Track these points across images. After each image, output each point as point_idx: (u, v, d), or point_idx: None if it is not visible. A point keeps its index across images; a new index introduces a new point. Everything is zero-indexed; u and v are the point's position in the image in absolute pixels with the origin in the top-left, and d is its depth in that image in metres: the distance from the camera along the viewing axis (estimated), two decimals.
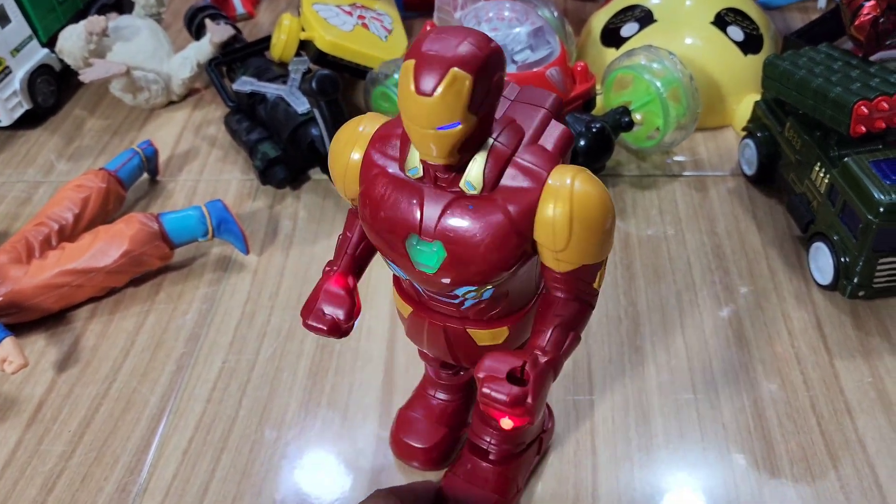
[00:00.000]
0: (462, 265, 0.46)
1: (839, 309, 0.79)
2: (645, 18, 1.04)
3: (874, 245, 0.71)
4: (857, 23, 0.81)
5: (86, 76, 1.04)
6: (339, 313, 0.52)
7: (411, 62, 0.41)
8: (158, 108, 1.14)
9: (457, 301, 0.50)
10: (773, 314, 0.79)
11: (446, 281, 0.47)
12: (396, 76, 0.94)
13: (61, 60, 1.11)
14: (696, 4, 1.04)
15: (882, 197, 0.70)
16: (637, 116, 0.95)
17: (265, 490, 0.68)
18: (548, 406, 0.69)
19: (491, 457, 0.63)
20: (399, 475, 0.68)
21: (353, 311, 0.52)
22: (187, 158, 1.05)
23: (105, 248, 0.83)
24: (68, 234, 0.87)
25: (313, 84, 0.84)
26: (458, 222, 0.45)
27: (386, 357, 0.78)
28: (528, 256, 0.47)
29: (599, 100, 0.98)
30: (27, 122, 1.13)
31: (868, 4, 0.80)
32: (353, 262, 0.54)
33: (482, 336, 0.53)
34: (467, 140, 0.43)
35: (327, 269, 0.54)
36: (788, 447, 0.68)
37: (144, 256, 0.84)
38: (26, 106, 1.10)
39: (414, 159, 0.46)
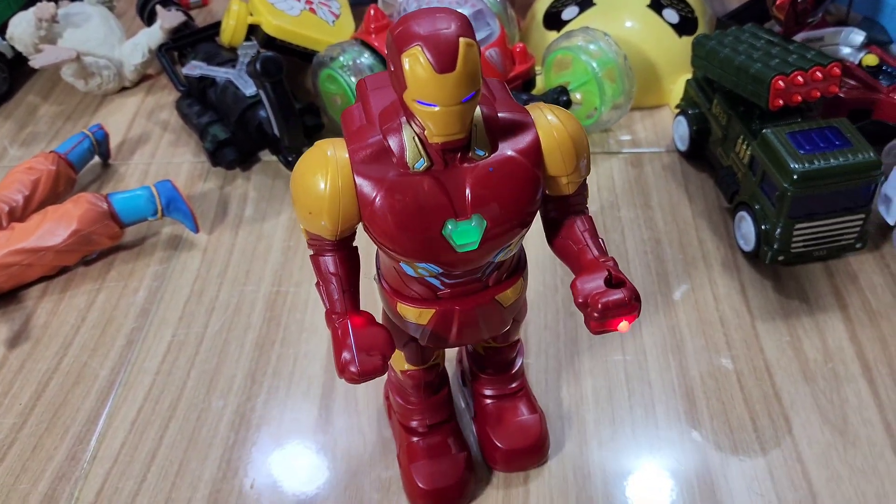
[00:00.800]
0: (503, 224, 0.48)
1: (762, 274, 0.83)
2: (585, 2, 1.07)
3: (790, 212, 0.75)
4: (777, 2, 0.85)
5: (35, 62, 1.05)
6: (385, 349, 0.49)
7: (417, 48, 0.42)
8: (111, 94, 1.16)
9: (480, 273, 0.52)
10: (701, 281, 0.83)
11: (490, 248, 0.49)
12: (342, 59, 0.96)
13: (13, 47, 1.12)
14: None
15: (796, 165, 0.74)
16: (577, 96, 0.99)
17: (211, 455, 0.70)
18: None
19: (513, 392, 0.67)
20: (344, 436, 0.71)
21: (392, 340, 0.50)
22: (139, 142, 1.07)
23: (54, 227, 0.85)
24: (18, 215, 0.88)
25: (257, 66, 0.86)
26: (488, 186, 0.47)
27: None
28: (543, 195, 0.51)
29: (540, 80, 1.01)
30: None
31: None
32: (352, 297, 0.52)
33: (507, 297, 0.55)
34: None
35: (335, 318, 0.51)
36: (710, 403, 0.71)
37: (94, 235, 0.86)
38: None
39: (415, 151, 0.47)
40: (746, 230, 0.82)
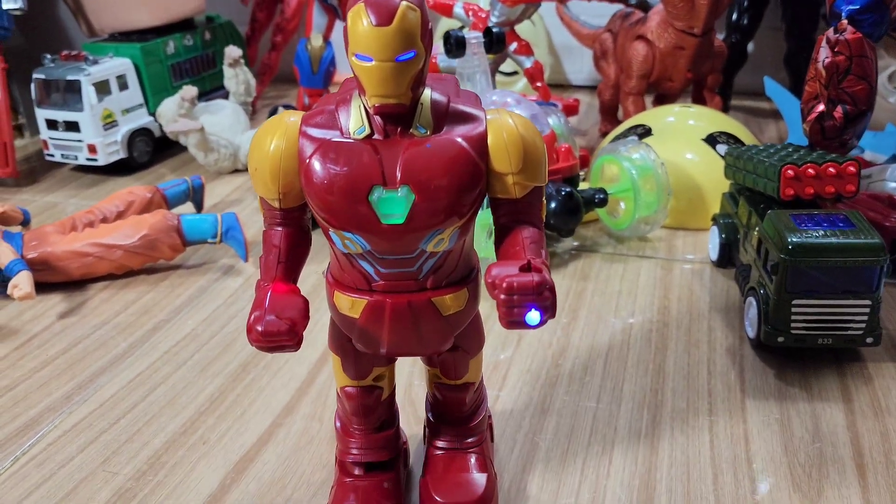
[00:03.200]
0: (431, 202, 0.47)
1: (765, 362, 0.79)
2: (644, 133, 1.16)
3: (787, 285, 0.74)
4: (807, 119, 0.90)
5: (169, 128, 1.26)
6: (295, 314, 0.48)
7: (360, 4, 0.45)
8: (224, 173, 1.34)
9: (415, 267, 0.50)
10: (699, 358, 0.80)
11: (416, 227, 0.48)
12: None
13: (160, 128, 1.35)
14: (693, 126, 1.15)
15: (792, 237, 0.74)
16: (621, 205, 1.04)
17: (179, 417, 0.75)
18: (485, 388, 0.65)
19: (467, 447, 0.61)
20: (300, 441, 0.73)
21: (307, 310, 0.49)
22: (231, 205, 1.22)
23: (129, 230, 0.98)
24: (108, 223, 1.03)
25: None
26: (422, 160, 0.47)
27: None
28: (483, 192, 0.50)
29: (586, 185, 1.08)
30: (122, 170, 1.35)
31: (819, 106, 0.89)
32: (287, 270, 0.51)
33: (446, 303, 0.52)
34: (418, 74, 0.46)
35: (262, 284, 0.50)
36: (673, 453, 0.68)
37: (159, 243, 0.98)
38: (122, 155, 1.33)
39: (358, 119, 0.48)
40: (752, 315, 0.80)
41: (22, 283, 0.86)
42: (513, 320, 0.46)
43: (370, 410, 0.59)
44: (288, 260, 0.51)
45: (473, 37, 1.11)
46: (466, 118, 0.49)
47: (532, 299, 0.45)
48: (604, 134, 1.42)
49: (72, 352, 0.85)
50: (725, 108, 1.50)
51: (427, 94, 0.49)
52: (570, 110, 1.46)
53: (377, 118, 0.48)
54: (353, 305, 0.53)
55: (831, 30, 0.87)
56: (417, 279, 0.51)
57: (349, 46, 0.46)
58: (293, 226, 0.52)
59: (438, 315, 0.53)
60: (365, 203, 0.48)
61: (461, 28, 1.51)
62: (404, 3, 0.45)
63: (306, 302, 0.49)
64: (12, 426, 0.74)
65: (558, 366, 0.80)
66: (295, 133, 0.49)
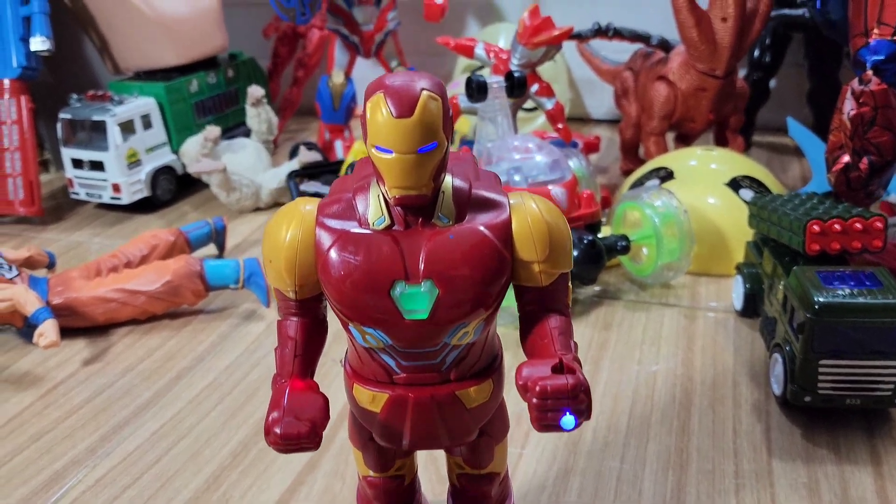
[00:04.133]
0: (456, 295, 0.46)
1: (792, 420, 0.78)
2: (666, 177, 1.15)
3: (814, 345, 0.73)
4: (833, 169, 0.89)
5: (192, 167, 1.27)
6: (315, 415, 0.46)
7: (380, 94, 0.43)
8: (246, 212, 1.35)
9: (439, 359, 0.49)
10: (725, 415, 0.80)
11: (440, 321, 0.46)
12: None
13: (183, 166, 1.37)
14: (716, 169, 1.14)
15: (818, 296, 0.73)
16: (644, 251, 1.04)
17: (203, 470, 0.75)
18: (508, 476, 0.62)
19: None
20: None
21: (327, 409, 0.47)
22: (253, 246, 1.23)
23: (152, 276, 0.99)
24: (133, 267, 1.04)
25: None
26: (445, 252, 0.45)
27: None
28: (508, 281, 0.48)
29: (607, 230, 1.07)
30: (145, 207, 1.37)
31: (844, 157, 0.88)
32: (304, 363, 0.49)
33: (470, 396, 0.50)
34: (440, 164, 0.45)
35: (279, 380, 0.48)
36: None
37: (182, 289, 0.99)
38: (146, 193, 1.34)
39: (377, 209, 0.46)
40: (778, 372, 0.79)
41: (48, 331, 0.87)
42: (546, 424, 0.44)
43: (393, 497, 0.58)
44: (304, 353, 0.49)
45: (495, 81, 1.12)
46: (489, 205, 0.48)
47: (566, 403, 0.43)
48: (625, 172, 1.42)
49: (96, 401, 0.86)
50: (748, 145, 1.50)
51: (448, 181, 0.47)
52: (591, 147, 1.46)
53: (397, 208, 0.47)
54: (373, 399, 0.50)
55: (856, 80, 0.86)
56: (440, 371, 0.49)
57: (368, 137, 0.44)
58: (309, 316, 0.50)
59: (463, 408, 0.51)
60: (387, 298, 0.45)
61: (480, 69, 1.52)
62: (425, 92, 0.43)
63: (326, 400, 0.47)
64: (38, 479, 0.74)
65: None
66: (311, 223, 0.47)
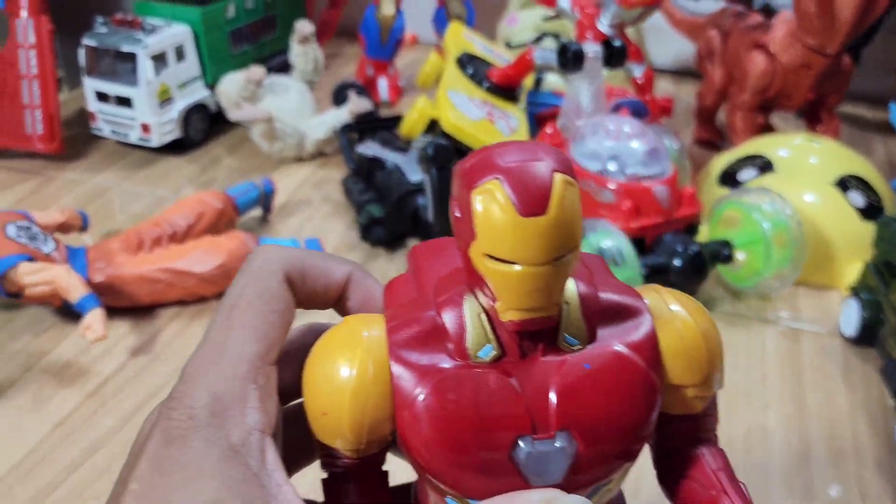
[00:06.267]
0: (601, 447, 0.33)
1: None
2: (764, 167, 1.05)
3: None
4: None
5: (234, 115, 1.14)
6: None
7: (494, 181, 0.29)
8: (288, 161, 1.23)
9: None
10: (847, 475, 0.73)
11: (578, 484, 0.34)
12: None
13: (217, 103, 1.23)
14: (820, 165, 1.04)
15: None
16: (739, 257, 0.94)
17: None
18: None
19: None
20: None
21: None
22: (300, 206, 1.12)
23: (204, 256, 0.88)
24: (178, 239, 0.93)
25: (429, 150, 0.89)
26: (584, 391, 0.33)
27: None
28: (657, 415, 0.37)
29: (704, 231, 0.98)
30: (175, 149, 1.24)
31: None
32: None
33: None
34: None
35: None
36: None
37: (235, 272, 0.88)
38: (177, 134, 1.21)
39: (480, 335, 0.33)
40: None
41: (95, 324, 0.77)
42: None
43: None
44: None
45: (592, 50, 0.99)
46: (624, 313, 0.34)
47: None
48: (699, 141, 1.31)
49: (148, 405, 0.77)
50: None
51: (572, 287, 0.33)
52: (664, 111, 1.33)
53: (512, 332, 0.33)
54: None
55: None
56: None
57: (476, 243, 0.30)
58: (371, 474, 0.35)
59: None
60: (506, 461, 0.32)
61: (553, 18, 1.37)
62: (558, 175, 0.29)
63: None
64: None
65: None
66: (383, 357, 0.32)
